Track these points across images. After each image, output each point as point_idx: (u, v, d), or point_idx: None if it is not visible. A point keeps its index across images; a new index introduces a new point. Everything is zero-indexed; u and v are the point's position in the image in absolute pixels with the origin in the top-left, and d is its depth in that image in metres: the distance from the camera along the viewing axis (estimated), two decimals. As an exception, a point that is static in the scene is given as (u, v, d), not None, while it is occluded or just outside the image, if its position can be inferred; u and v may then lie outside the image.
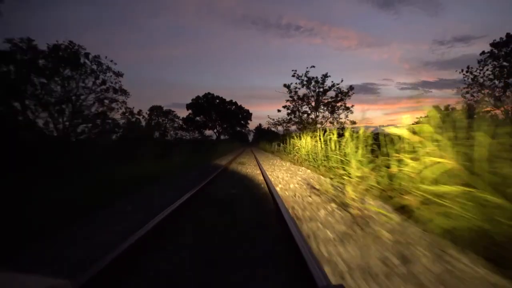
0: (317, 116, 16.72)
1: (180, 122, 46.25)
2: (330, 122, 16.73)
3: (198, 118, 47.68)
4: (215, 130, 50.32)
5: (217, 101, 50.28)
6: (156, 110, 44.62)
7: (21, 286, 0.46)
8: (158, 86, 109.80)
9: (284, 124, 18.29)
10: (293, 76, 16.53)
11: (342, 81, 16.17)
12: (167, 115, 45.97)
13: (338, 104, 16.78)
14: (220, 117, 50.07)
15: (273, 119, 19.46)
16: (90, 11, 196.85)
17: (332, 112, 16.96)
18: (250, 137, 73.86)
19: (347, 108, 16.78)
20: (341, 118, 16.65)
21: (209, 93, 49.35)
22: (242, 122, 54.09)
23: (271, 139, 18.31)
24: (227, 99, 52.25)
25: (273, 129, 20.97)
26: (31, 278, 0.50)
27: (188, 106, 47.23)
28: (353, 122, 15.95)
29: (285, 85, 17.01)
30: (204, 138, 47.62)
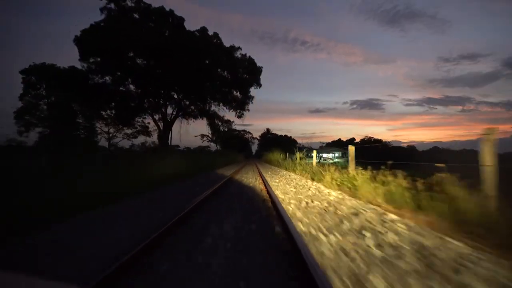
0: None
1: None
2: None
3: (106, 76, 17.33)
4: (158, 117, 18.71)
5: (163, 18, 16.88)
6: (39, 73, 21.82)
7: None
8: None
9: None
10: None
11: None
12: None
13: None
14: (175, 71, 15.97)
15: None
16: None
17: None
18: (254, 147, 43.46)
19: None
20: None
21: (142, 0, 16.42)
22: (237, 93, 17.11)
23: None
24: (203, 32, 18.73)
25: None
26: (40, 282, 0.50)
27: (82, 40, 15.72)
28: None
29: None
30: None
